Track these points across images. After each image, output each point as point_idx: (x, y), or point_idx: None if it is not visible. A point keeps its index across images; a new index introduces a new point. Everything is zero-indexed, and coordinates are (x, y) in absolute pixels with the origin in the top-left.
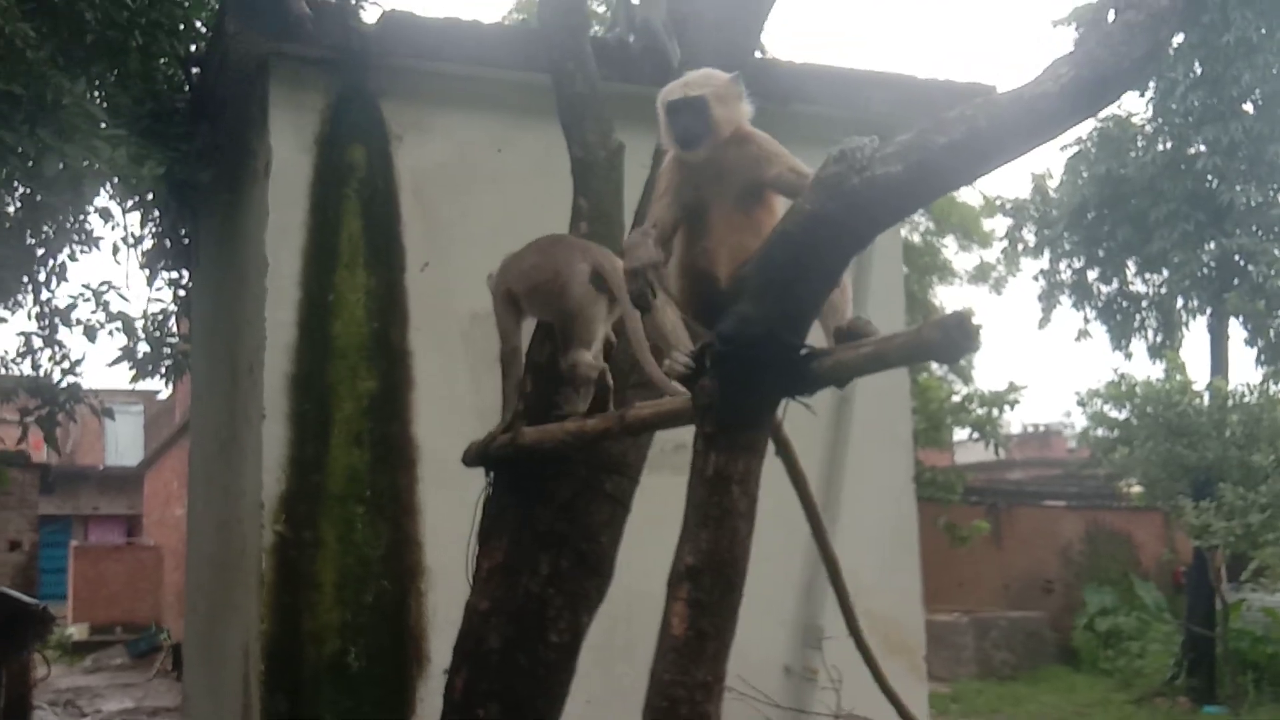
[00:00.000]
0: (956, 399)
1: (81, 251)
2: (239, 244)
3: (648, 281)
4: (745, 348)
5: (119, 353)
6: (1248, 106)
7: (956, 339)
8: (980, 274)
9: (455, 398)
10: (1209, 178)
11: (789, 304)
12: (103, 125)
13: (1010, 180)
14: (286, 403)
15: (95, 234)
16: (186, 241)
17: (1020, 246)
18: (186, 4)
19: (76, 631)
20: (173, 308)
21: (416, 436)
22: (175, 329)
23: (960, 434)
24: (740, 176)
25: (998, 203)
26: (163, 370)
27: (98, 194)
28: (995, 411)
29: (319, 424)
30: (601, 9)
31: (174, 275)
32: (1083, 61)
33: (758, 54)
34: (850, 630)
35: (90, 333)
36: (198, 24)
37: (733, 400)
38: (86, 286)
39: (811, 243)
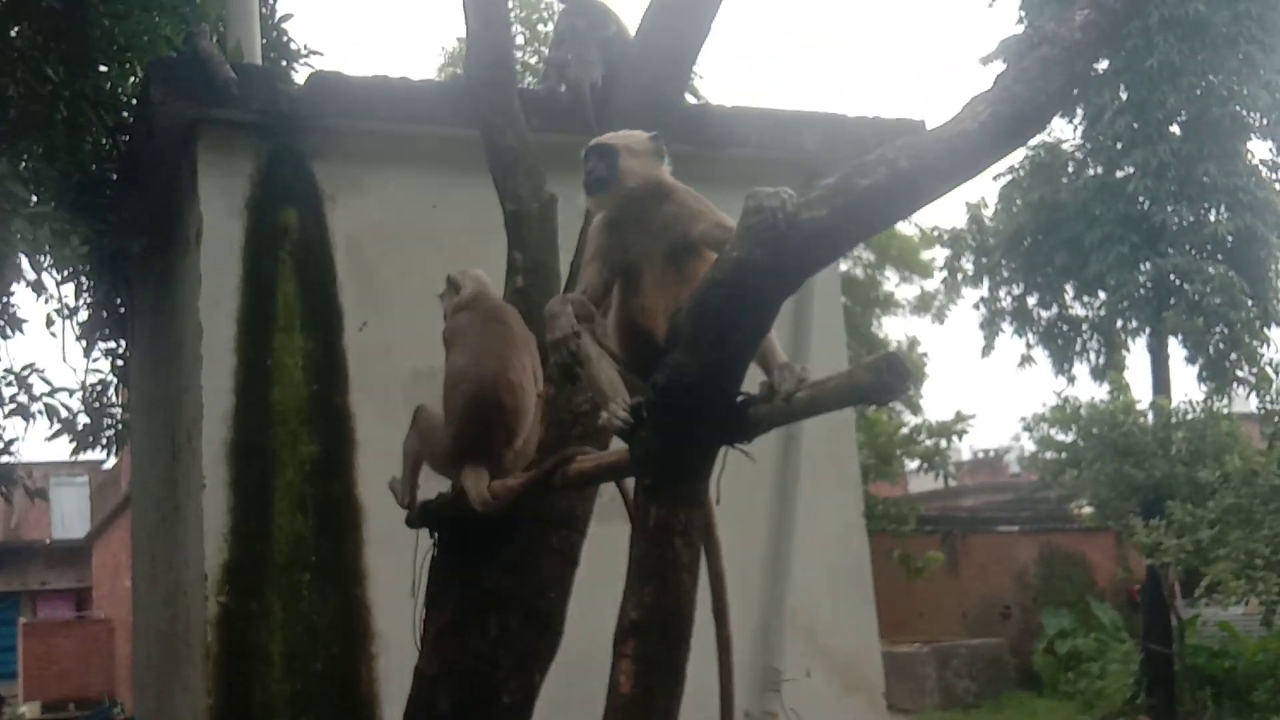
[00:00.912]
0: (905, 431)
1: (3, 336)
2: (174, 311)
3: (570, 352)
4: (681, 398)
5: (58, 426)
6: (1175, 128)
7: (889, 381)
8: (922, 304)
9: (398, 458)
10: (1141, 200)
11: (722, 352)
12: (33, 200)
13: (946, 210)
14: (227, 471)
15: (19, 315)
16: (122, 311)
17: (960, 276)
18: (112, 73)
19: (28, 710)
20: (111, 378)
21: (361, 499)
22: (116, 399)
23: (911, 464)
24: (667, 234)
25: (935, 233)
26: (104, 441)
27: (18, 279)
28: (944, 442)
29: (261, 491)
30: (534, 60)
31: (111, 345)
32: (1000, 98)
33: (691, 99)
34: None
35: (23, 411)
36: (123, 93)
37: (671, 451)
38: (9, 371)
39: (741, 290)
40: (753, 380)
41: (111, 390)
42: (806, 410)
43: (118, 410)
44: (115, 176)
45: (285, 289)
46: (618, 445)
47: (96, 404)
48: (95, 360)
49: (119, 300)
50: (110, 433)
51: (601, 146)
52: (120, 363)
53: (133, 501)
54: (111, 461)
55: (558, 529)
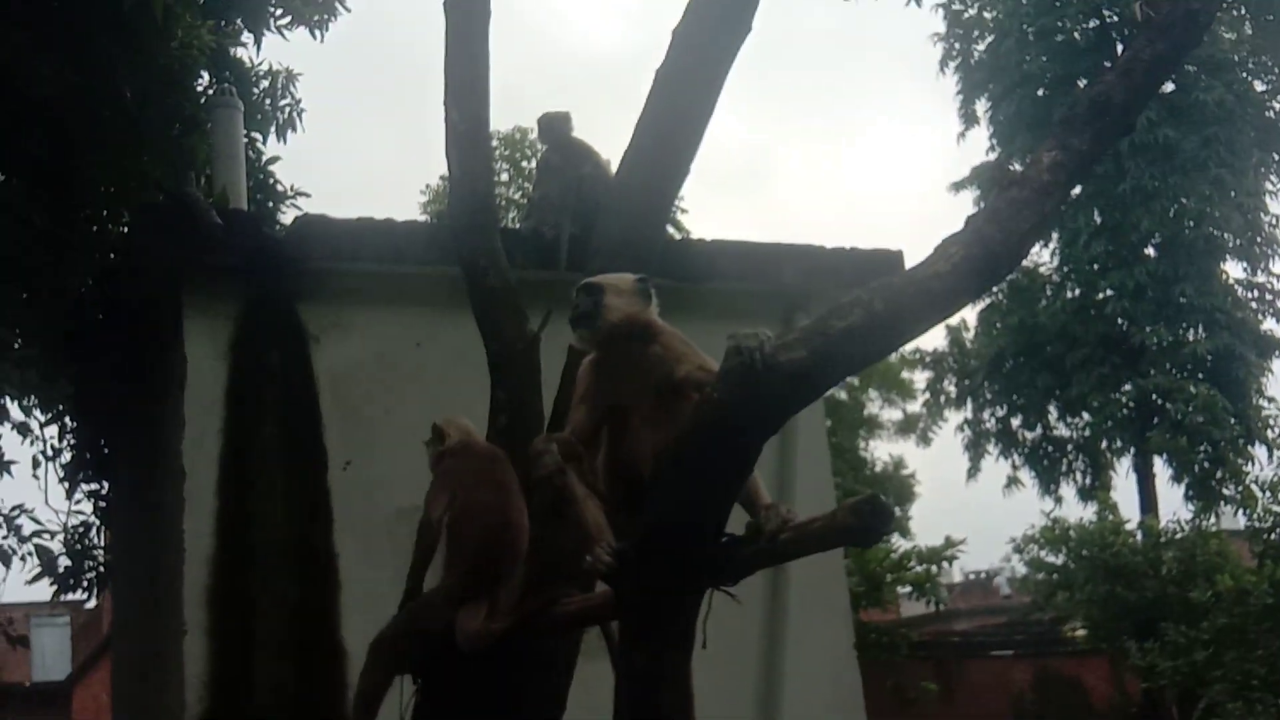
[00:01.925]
0: (895, 557)
1: None
2: (157, 454)
3: (556, 489)
4: (666, 541)
5: (38, 569)
6: (1150, 250)
7: (871, 523)
8: (907, 426)
9: (382, 598)
10: (1119, 321)
11: (706, 493)
12: (15, 346)
13: (927, 334)
14: (207, 616)
15: (7, 458)
16: (106, 452)
17: (942, 398)
18: (98, 219)
19: None
20: (94, 519)
21: (345, 642)
22: (98, 540)
23: (902, 589)
24: (652, 376)
25: (916, 357)
26: (85, 584)
27: (4, 421)
28: (934, 568)
29: (242, 637)
30: (518, 196)
31: (94, 487)
32: (971, 240)
33: (675, 234)
34: None
35: (5, 558)
36: (109, 238)
37: (657, 594)
38: None
39: (723, 431)
40: (737, 520)
41: (94, 532)
42: (791, 552)
43: (100, 552)
44: (101, 320)
45: (269, 430)
46: (604, 586)
47: (79, 546)
48: (78, 502)
49: (102, 442)
50: (92, 575)
51: (589, 285)
52: (103, 504)
53: (114, 645)
54: (93, 602)
55: (544, 672)
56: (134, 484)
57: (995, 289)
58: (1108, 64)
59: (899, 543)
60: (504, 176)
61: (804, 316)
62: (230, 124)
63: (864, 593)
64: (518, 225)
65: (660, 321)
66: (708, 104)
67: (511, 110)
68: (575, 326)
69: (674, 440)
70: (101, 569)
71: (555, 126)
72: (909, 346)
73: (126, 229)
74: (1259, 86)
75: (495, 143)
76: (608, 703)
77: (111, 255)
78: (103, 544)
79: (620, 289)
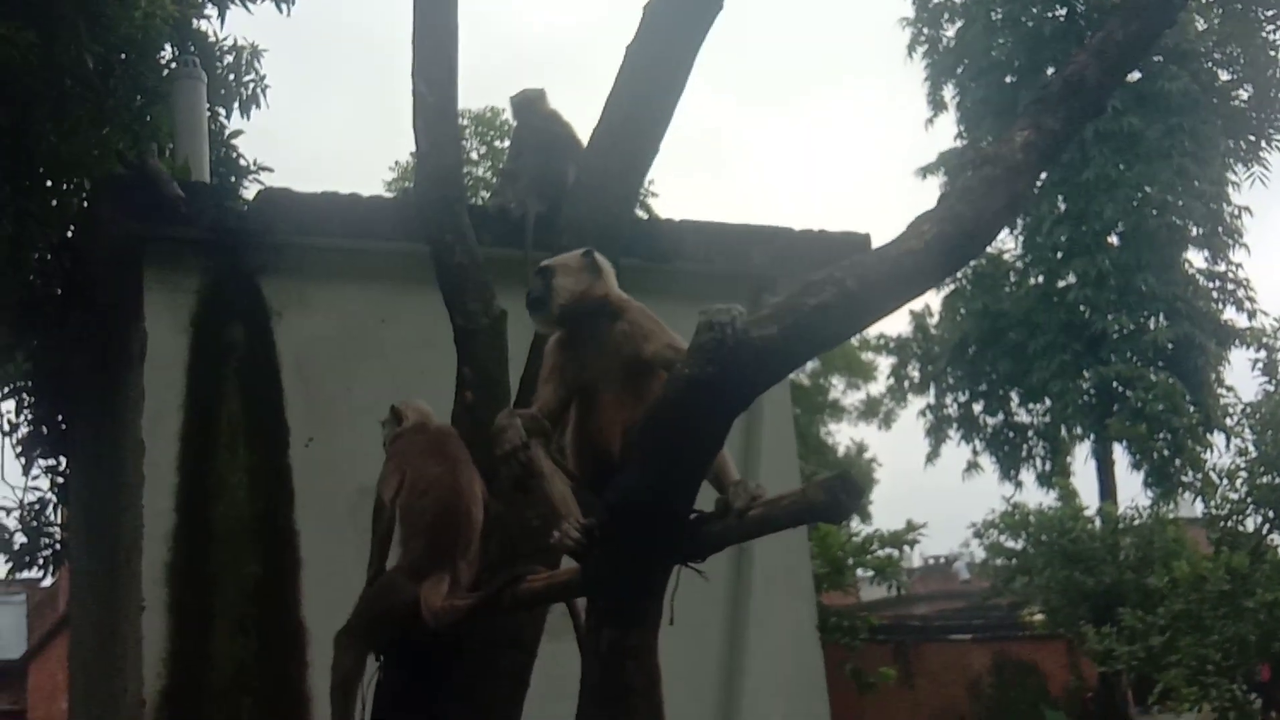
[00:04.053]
0: (857, 540)
1: None
2: (116, 429)
3: (521, 464)
4: (634, 517)
5: None
6: (1113, 239)
7: (842, 499)
8: (869, 410)
9: (344, 576)
10: (1081, 308)
11: (675, 469)
12: None
13: (892, 319)
14: (166, 593)
15: None
16: (64, 427)
17: (906, 383)
18: (58, 190)
19: None
20: (51, 496)
21: (306, 620)
22: (55, 517)
23: (863, 573)
24: (620, 353)
25: (880, 342)
26: (41, 561)
27: None
28: (896, 553)
29: (201, 614)
30: (488, 174)
31: (51, 462)
32: (945, 217)
33: (642, 214)
34: None
35: None
36: (69, 209)
37: (625, 571)
38: None
39: (693, 407)
40: (706, 497)
41: (51, 508)
42: (760, 528)
43: (56, 529)
44: (60, 292)
45: (230, 406)
46: (569, 563)
47: (35, 522)
48: (35, 478)
49: (60, 417)
50: (48, 552)
51: (541, 268)
52: (60, 480)
53: (71, 622)
54: (49, 580)
55: (507, 651)
56: (92, 459)
57: (959, 275)
58: (1075, 51)
59: (860, 526)
60: (474, 155)
61: (771, 298)
62: (193, 96)
63: (825, 575)
64: (487, 203)
65: (626, 297)
66: (678, 81)
67: (483, 90)
68: (530, 311)
69: (643, 417)
70: (58, 546)
71: (528, 104)
72: (873, 331)
73: (87, 201)
74: (1224, 76)
75: (466, 122)
76: (571, 680)
77: (71, 227)
78: (59, 521)
79: (569, 267)
